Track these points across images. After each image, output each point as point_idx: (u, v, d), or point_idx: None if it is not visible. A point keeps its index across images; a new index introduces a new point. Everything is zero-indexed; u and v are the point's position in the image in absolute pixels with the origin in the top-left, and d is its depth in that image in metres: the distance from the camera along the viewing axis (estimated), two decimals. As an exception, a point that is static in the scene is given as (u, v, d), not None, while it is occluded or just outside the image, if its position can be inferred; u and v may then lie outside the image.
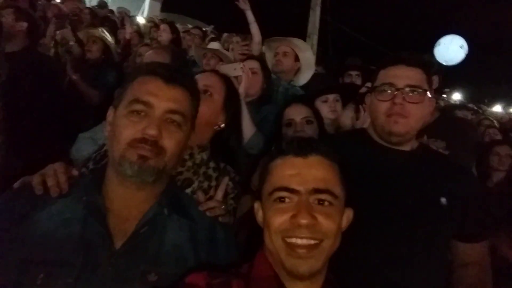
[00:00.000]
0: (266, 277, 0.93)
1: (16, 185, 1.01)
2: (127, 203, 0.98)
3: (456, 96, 11.20)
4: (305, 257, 0.87)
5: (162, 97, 0.96)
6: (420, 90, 1.25)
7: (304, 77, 2.90)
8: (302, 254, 0.87)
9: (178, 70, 1.05)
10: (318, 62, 4.66)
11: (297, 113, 1.92)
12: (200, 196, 1.22)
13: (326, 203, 0.91)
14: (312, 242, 0.87)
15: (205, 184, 1.35)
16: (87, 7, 6.39)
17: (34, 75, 2.71)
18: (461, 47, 4.73)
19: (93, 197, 0.95)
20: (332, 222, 0.89)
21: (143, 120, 0.94)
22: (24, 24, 2.79)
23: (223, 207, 1.19)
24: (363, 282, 1.12)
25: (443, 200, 1.24)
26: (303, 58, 2.84)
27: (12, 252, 0.87)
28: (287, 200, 0.91)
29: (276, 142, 1.85)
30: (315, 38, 11.21)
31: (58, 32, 3.57)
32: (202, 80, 1.45)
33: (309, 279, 0.91)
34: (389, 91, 1.26)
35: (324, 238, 0.88)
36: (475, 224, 1.31)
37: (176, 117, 0.97)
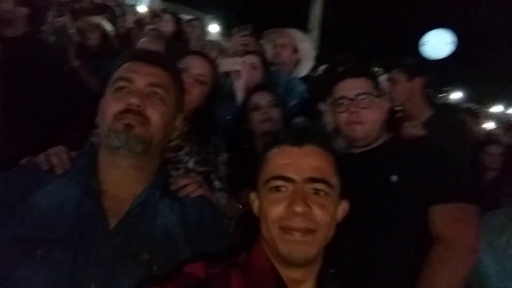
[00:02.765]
0: (262, 267, 0.94)
1: (22, 161, 1.05)
2: (120, 185, 1.02)
3: (457, 95, 11.15)
4: (300, 242, 0.88)
5: (142, 73, 1.02)
6: (370, 95, 1.44)
7: (304, 68, 2.91)
8: (297, 237, 0.88)
9: (157, 53, 1.11)
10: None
11: (262, 97, 2.01)
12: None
13: (321, 192, 0.91)
14: (308, 226, 0.89)
15: (196, 148, 1.48)
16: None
17: (35, 60, 2.72)
18: (449, 41, 4.82)
19: (88, 179, 0.99)
20: (327, 213, 0.90)
21: (127, 94, 0.99)
22: (24, 10, 2.79)
23: (197, 180, 1.21)
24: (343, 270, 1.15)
25: (394, 177, 1.34)
26: (302, 49, 2.85)
27: (12, 228, 0.90)
28: (282, 189, 0.91)
29: (243, 126, 2.01)
30: (315, 33, 11.19)
31: (57, 19, 3.56)
32: (196, 68, 1.56)
33: (304, 267, 0.92)
34: (344, 103, 1.45)
35: (318, 229, 0.89)
36: (440, 186, 1.32)
37: (158, 90, 1.02)
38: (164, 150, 1.16)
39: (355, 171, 1.36)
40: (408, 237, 1.31)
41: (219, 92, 2.75)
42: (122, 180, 1.02)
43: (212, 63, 1.67)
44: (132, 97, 0.97)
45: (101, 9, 5.43)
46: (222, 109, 2.44)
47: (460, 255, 1.24)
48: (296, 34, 2.87)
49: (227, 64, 2.28)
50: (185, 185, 1.15)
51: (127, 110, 0.97)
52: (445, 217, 1.29)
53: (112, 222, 0.95)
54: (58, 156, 1.04)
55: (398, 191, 1.32)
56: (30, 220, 0.91)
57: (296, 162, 0.93)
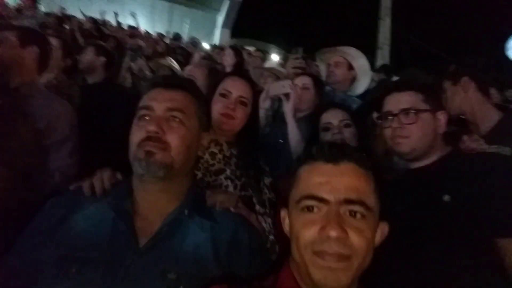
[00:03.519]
0: None
1: (71, 187, 1.16)
2: (151, 206, 1.06)
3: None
4: (334, 269, 0.80)
5: (161, 100, 1.06)
6: (414, 111, 1.38)
7: (361, 85, 2.80)
8: (331, 263, 0.80)
9: (177, 77, 1.15)
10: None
11: (334, 116, 1.88)
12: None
13: (358, 215, 0.83)
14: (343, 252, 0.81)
15: (238, 172, 1.44)
16: (163, 41, 7.09)
17: (111, 102, 3.04)
18: None
19: (121, 201, 1.04)
20: (364, 238, 0.82)
21: (147, 122, 1.03)
22: (103, 59, 3.17)
23: (232, 197, 1.21)
24: None
25: (446, 197, 1.22)
26: (357, 66, 2.74)
27: (52, 249, 0.97)
28: (315, 209, 0.85)
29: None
30: (386, 50, 10.80)
31: (132, 63, 3.99)
32: (238, 91, 1.57)
33: None
34: (389, 118, 1.43)
35: (354, 255, 0.81)
36: (503, 215, 1.14)
37: (176, 114, 1.06)
38: (194, 169, 1.19)
39: (408, 189, 1.27)
40: (455, 260, 1.14)
41: (273, 116, 2.78)
42: (152, 202, 1.06)
43: (251, 83, 1.66)
44: (151, 125, 1.01)
45: (174, 51, 5.99)
46: (276, 132, 2.45)
47: None
48: (350, 51, 2.77)
49: (276, 88, 2.28)
50: (222, 201, 1.15)
51: (147, 138, 1.01)
52: None
53: (143, 242, 0.99)
54: (100, 181, 1.12)
55: (451, 212, 1.18)
56: (68, 241, 0.98)
57: (331, 181, 0.85)
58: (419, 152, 1.39)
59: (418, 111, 1.38)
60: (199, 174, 1.47)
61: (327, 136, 1.85)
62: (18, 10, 5.71)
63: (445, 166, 1.35)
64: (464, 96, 1.97)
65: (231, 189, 1.47)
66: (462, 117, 1.99)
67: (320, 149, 0.92)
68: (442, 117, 1.43)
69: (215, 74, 2.19)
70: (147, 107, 1.06)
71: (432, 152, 1.40)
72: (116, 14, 7.42)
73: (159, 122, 1.02)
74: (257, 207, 1.49)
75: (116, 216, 1.02)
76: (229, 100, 1.55)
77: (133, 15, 7.10)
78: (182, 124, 1.06)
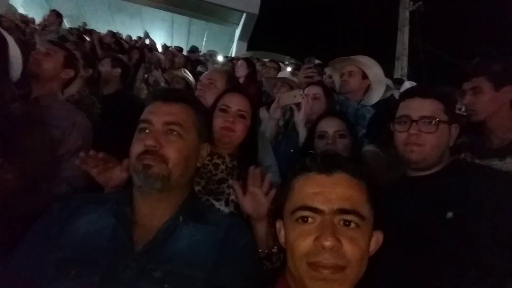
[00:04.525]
0: None
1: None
2: (149, 215, 1.09)
3: None
4: (330, 280, 0.81)
5: (159, 113, 1.09)
6: (435, 120, 1.33)
7: (375, 95, 2.73)
8: (327, 275, 0.81)
9: (176, 90, 1.17)
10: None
11: (330, 125, 1.88)
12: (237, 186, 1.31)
13: (352, 224, 0.84)
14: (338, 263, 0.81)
15: (240, 183, 1.41)
16: (181, 53, 7.21)
17: (126, 112, 3.08)
18: None
19: (122, 208, 1.07)
20: (358, 248, 0.83)
21: (146, 136, 1.06)
22: (118, 70, 3.24)
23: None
24: None
25: (449, 214, 1.17)
26: (372, 75, 2.68)
27: (54, 250, 1.00)
28: (310, 219, 0.86)
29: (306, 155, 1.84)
30: (404, 60, 10.68)
31: (147, 75, 4.06)
32: (237, 105, 1.63)
33: None
34: (406, 122, 1.37)
35: (348, 266, 0.81)
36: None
37: (174, 127, 1.09)
38: (193, 180, 1.22)
39: (407, 198, 1.24)
40: (451, 275, 1.09)
41: (285, 126, 2.75)
42: (150, 212, 1.09)
43: (250, 98, 1.70)
44: (149, 139, 1.04)
45: (192, 64, 6.09)
46: (288, 142, 2.42)
47: None
48: (364, 60, 2.71)
49: (287, 98, 2.26)
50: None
51: (145, 152, 1.05)
52: None
53: (138, 248, 1.01)
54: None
55: (454, 231, 1.12)
56: (69, 244, 1.01)
57: (325, 192, 0.86)
58: (429, 163, 1.35)
59: (439, 121, 1.34)
60: (202, 182, 1.51)
61: (321, 144, 1.87)
62: (44, 26, 5.92)
63: (448, 177, 1.31)
64: (500, 104, 1.87)
65: (233, 197, 1.48)
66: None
67: (313, 160, 0.92)
68: (454, 130, 1.40)
69: (234, 80, 2.19)
70: (146, 121, 1.09)
71: (438, 164, 1.36)
72: (146, 33, 7.50)
73: (157, 136, 1.05)
74: None
75: (117, 222, 1.05)
76: (229, 114, 1.61)
77: (147, 34, 7.24)
78: (180, 137, 1.09)
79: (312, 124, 2.02)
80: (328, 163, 0.90)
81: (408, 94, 1.46)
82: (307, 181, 0.90)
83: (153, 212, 1.08)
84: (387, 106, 2.51)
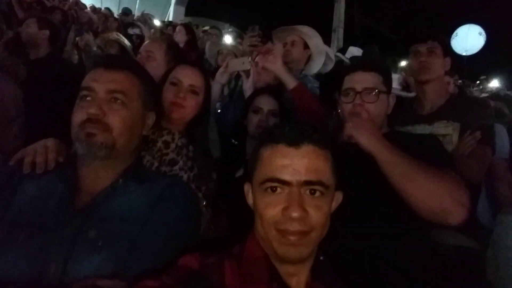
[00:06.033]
0: (257, 258, 0.95)
1: (11, 162, 1.13)
2: (93, 181, 1.09)
3: (494, 84, 10.46)
4: (296, 245, 0.89)
5: (102, 81, 1.07)
6: (376, 91, 1.46)
7: (316, 65, 2.83)
8: (294, 241, 0.89)
9: (119, 57, 1.16)
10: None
11: (265, 103, 1.96)
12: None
13: (317, 193, 0.91)
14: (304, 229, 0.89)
15: (189, 163, 1.45)
16: (113, 17, 6.71)
17: (56, 77, 2.85)
18: (480, 34, 4.52)
19: (68, 174, 1.08)
20: (322, 214, 0.91)
21: (88, 104, 1.04)
22: (47, 32, 2.95)
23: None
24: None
25: None
26: (313, 45, 2.76)
27: (6, 213, 0.99)
28: (278, 190, 0.91)
29: (241, 124, 2.01)
30: (340, 32, 11.03)
31: (78, 38, 3.75)
32: (189, 80, 1.55)
33: (299, 263, 0.94)
34: (351, 94, 1.48)
35: (313, 230, 0.90)
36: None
37: (118, 95, 1.07)
38: (138, 148, 1.21)
39: (352, 161, 1.32)
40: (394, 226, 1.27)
41: (231, 94, 2.76)
42: (94, 177, 1.09)
43: (204, 73, 1.64)
44: (92, 107, 1.03)
45: (125, 27, 5.70)
46: (235, 110, 2.44)
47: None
48: (306, 30, 2.76)
49: (235, 64, 2.25)
50: None
51: (88, 120, 1.03)
52: None
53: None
54: (44, 154, 1.11)
55: (389, 190, 1.25)
56: (20, 207, 1.01)
57: (293, 164, 0.91)
58: None
59: (379, 92, 1.47)
60: (155, 163, 1.46)
61: (254, 118, 1.95)
62: None
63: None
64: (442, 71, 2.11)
65: (185, 179, 1.47)
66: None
67: (281, 132, 0.96)
68: (391, 100, 1.55)
69: (175, 49, 2.11)
70: (88, 88, 1.06)
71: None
72: None
73: (100, 104, 1.04)
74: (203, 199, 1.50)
75: (64, 187, 1.05)
76: (180, 88, 1.53)
77: None
78: (123, 106, 1.08)
79: (248, 98, 2.09)
80: (296, 136, 0.93)
81: (352, 68, 1.58)
82: (276, 153, 0.94)
83: (96, 179, 1.08)
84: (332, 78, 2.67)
